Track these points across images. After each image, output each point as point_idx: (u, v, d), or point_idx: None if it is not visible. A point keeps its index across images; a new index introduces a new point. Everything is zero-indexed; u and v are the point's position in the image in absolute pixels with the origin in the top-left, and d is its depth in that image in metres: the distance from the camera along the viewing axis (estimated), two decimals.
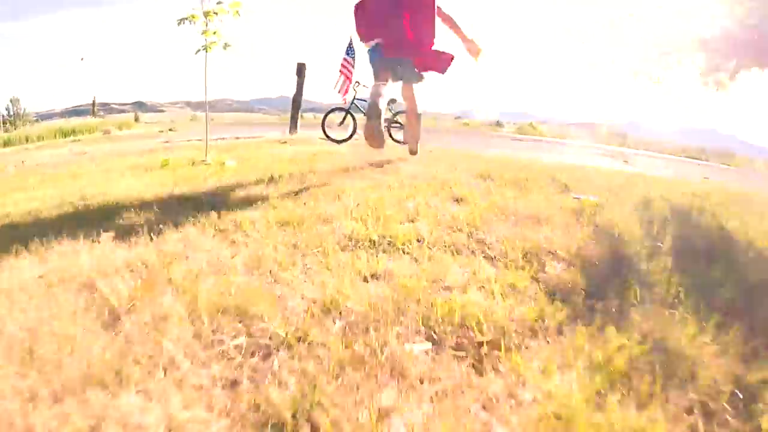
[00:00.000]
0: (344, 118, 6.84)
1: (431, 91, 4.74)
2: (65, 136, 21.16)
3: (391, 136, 6.49)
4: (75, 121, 24.03)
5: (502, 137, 14.02)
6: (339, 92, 8.06)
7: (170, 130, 14.21)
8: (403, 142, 6.42)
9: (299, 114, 8.74)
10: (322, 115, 7.05)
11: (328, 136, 6.60)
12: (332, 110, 6.92)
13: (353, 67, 7.38)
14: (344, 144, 6.45)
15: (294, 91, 8.62)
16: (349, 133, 6.70)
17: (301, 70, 8.46)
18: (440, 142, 6.94)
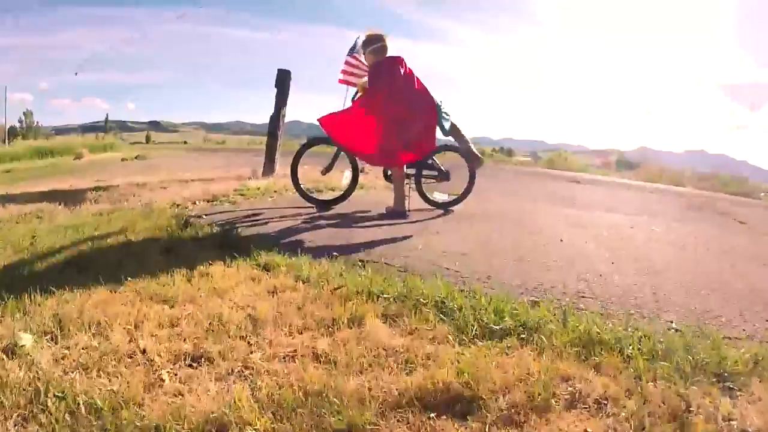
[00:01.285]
0: (333, 159, 3.79)
1: None
2: (42, 157, 18.96)
3: (425, 196, 3.72)
4: (59, 139, 21.92)
5: (553, 179, 11.08)
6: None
7: (136, 157, 11.57)
8: (445, 204, 3.79)
9: (279, 142, 5.91)
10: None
11: (302, 192, 3.61)
12: (311, 142, 3.74)
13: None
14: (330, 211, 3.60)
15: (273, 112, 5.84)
16: (345, 186, 3.70)
17: (283, 80, 5.68)
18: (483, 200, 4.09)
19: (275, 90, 5.71)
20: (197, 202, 3.47)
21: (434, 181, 3.71)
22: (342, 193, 3.63)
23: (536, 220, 3.66)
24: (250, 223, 2.93)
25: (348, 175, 3.65)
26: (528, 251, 2.56)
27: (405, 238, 2.76)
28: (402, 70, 3.34)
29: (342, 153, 3.65)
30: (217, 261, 2.15)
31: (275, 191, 4.10)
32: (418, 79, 3.39)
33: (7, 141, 33.40)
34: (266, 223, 3.02)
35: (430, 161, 3.66)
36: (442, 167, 3.71)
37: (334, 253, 2.34)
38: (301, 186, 3.59)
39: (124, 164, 9.46)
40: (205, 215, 3.04)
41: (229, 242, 2.47)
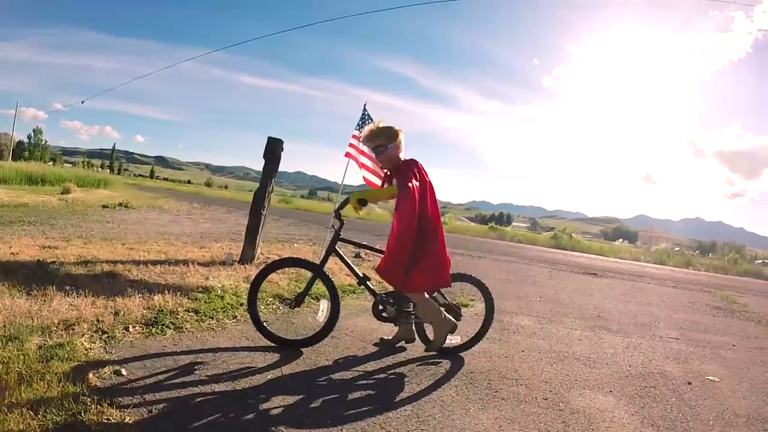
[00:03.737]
0: (308, 287, 2.80)
1: (443, 184, 3.39)
2: (32, 184, 18.29)
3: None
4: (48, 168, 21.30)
5: (566, 270, 10.25)
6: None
7: (120, 204, 10.79)
8: (455, 349, 2.97)
9: (262, 224, 5.08)
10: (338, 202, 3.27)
11: (262, 330, 2.67)
12: (278, 265, 2.82)
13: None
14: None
15: (264, 179, 5.07)
16: (322, 322, 2.71)
17: (273, 150, 4.97)
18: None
19: (264, 161, 5.01)
20: (131, 328, 2.56)
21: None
22: (317, 331, 2.70)
23: (584, 384, 2.75)
24: (174, 403, 1.93)
25: (324, 307, 2.73)
26: None
27: None
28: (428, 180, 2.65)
29: (316, 271, 2.74)
30: None
31: (241, 304, 3.21)
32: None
33: (10, 156, 32.88)
34: (194, 401, 1.91)
35: (435, 293, 2.80)
36: (451, 302, 2.85)
37: None
38: (263, 323, 2.69)
39: (101, 215, 8.63)
40: (126, 369, 2.10)
41: None
